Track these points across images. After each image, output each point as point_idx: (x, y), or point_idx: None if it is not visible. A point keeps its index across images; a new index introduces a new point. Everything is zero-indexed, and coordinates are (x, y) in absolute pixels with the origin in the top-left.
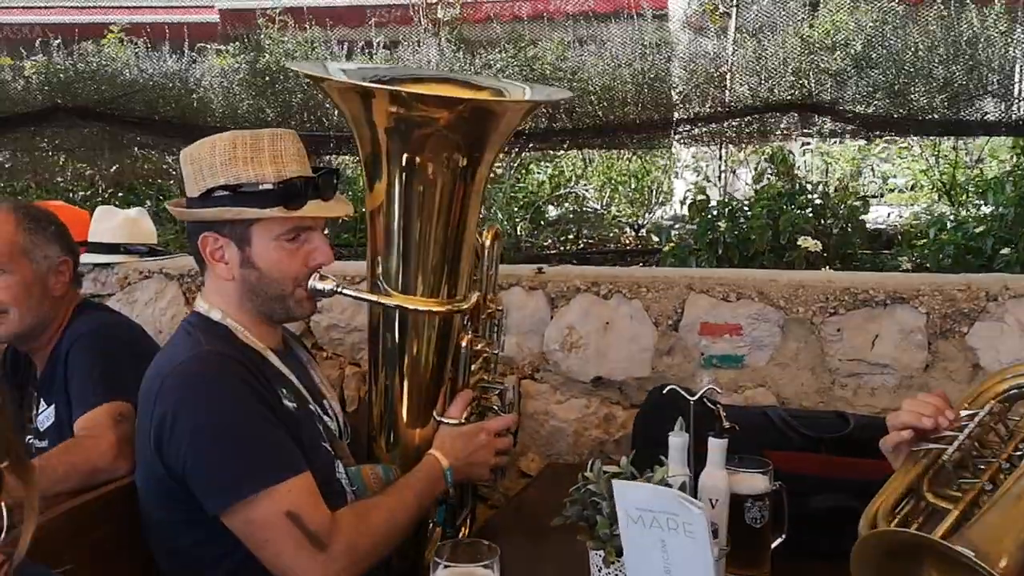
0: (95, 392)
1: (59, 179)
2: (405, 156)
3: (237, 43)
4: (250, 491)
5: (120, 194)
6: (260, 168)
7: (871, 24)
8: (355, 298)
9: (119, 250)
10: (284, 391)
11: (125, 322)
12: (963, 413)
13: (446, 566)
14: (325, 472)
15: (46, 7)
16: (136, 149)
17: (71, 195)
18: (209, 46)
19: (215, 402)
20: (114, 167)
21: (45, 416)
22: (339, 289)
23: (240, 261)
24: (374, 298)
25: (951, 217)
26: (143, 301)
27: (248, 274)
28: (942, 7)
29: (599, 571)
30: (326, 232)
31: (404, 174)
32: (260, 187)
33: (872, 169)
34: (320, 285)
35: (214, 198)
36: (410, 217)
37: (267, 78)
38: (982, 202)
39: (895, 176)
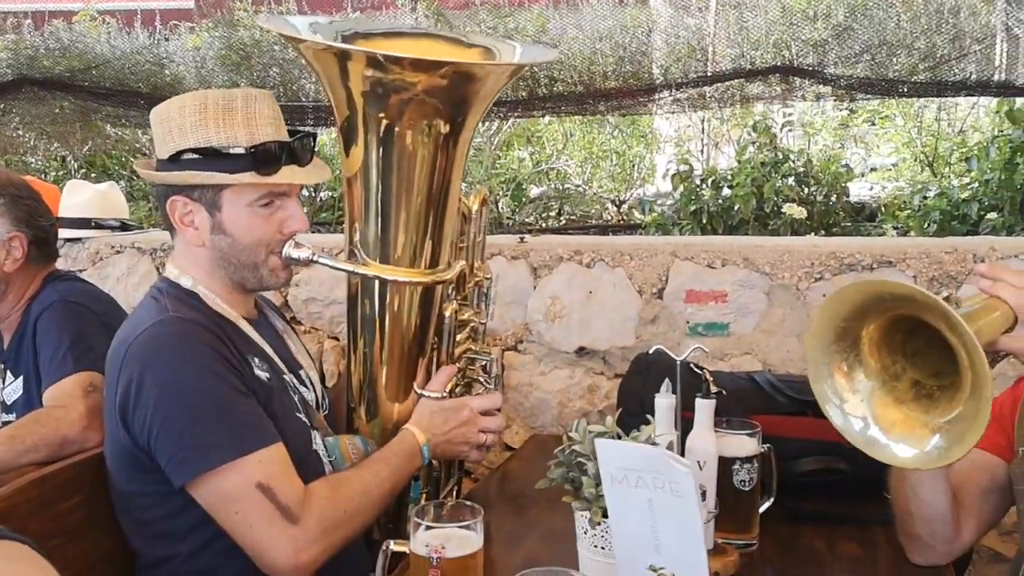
0: (64, 362)
1: (31, 159)
2: (384, 120)
3: (209, 20)
4: (218, 461)
5: (93, 174)
6: (232, 131)
7: None
8: (332, 267)
9: (90, 225)
10: (256, 360)
11: (95, 291)
12: None
13: (428, 527)
14: (300, 443)
15: None
16: (108, 127)
17: (44, 176)
18: (182, 23)
19: (181, 370)
20: (86, 147)
21: (12, 389)
22: (315, 258)
23: (211, 227)
24: (351, 268)
25: (935, 187)
26: (115, 276)
27: (219, 241)
28: None
29: (585, 533)
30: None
31: (382, 138)
32: (231, 151)
33: (855, 140)
34: (295, 253)
35: (183, 161)
36: (389, 183)
37: (242, 52)
38: (967, 170)
39: (878, 147)
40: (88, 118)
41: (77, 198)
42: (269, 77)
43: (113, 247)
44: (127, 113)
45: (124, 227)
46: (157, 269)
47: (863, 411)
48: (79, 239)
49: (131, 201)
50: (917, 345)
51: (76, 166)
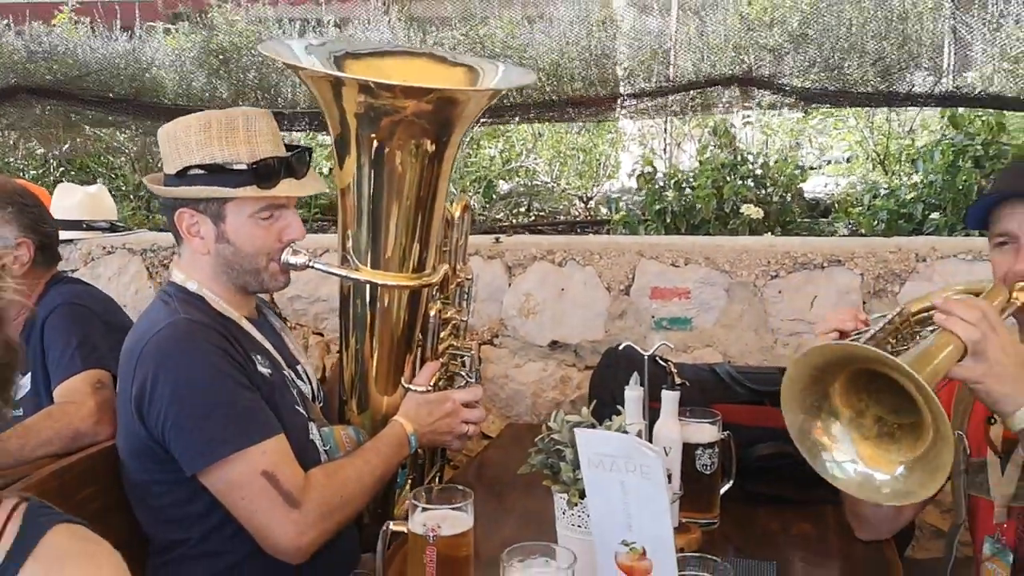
0: (73, 361)
1: (10, 159)
2: (375, 140)
3: (187, 23)
4: (227, 452)
5: (72, 172)
6: (234, 148)
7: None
8: (327, 272)
9: (81, 226)
10: (259, 357)
11: (96, 293)
12: (875, 316)
13: (424, 508)
14: (299, 433)
15: None
16: (88, 128)
17: (22, 174)
18: (157, 24)
19: (193, 368)
20: (66, 145)
21: (19, 385)
22: (311, 263)
23: (216, 236)
24: (345, 273)
25: (884, 185)
26: (106, 276)
27: (223, 249)
28: None
29: (563, 514)
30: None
31: (374, 155)
32: (234, 167)
33: (810, 140)
34: (293, 259)
35: (190, 176)
36: (379, 195)
37: (220, 57)
38: (913, 170)
39: (832, 147)
40: (70, 119)
41: (68, 200)
42: (247, 81)
43: (104, 248)
44: (107, 116)
45: (113, 228)
46: (147, 269)
47: (850, 454)
48: (71, 240)
49: (114, 201)
50: (880, 384)
51: (55, 164)
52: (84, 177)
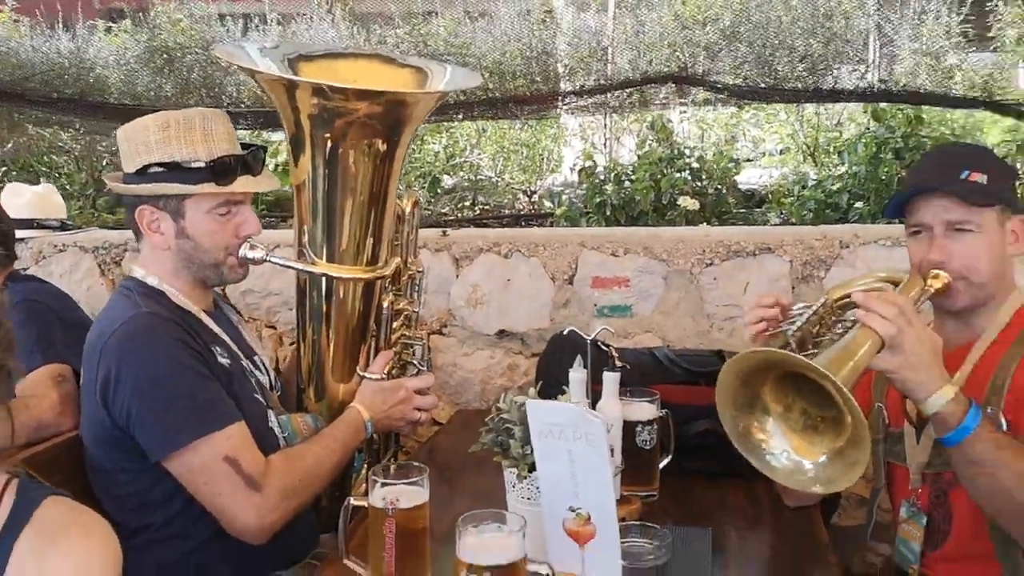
0: (33, 356)
1: None
2: (328, 140)
3: (129, 21)
4: (190, 438)
5: (14, 172)
6: (192, 147)
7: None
8: (283, 266)
9: (32, 225)
10: (218, 349)
11: (52, 289)
12: (800, 306)
13: (383, 484)
14: (258, 421)
15: None
16: (31, 127)
17: None
18: (97, 23)
19: (155, 359)
20: (7, 145)
21: None
22: (268, 257)
23: (175, 232)
24: (301, 266)
25: (813, 177)
26: (58, 273)
27: (183, 244)
28: None
29: (513, 487)
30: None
31: (327, 155)
32: (192, 164)
33: (744, 133)
34: (251, 254)
35: (150, 174)
36: (333, 192)
37: (165, 56)
38: (840, 162)
39: (764, 140)
40: (14, 119)
41: (17, 200)
42: (192, 79)
43: (56, 246)
44: (52, 116)
45: (63, 226)
46: (99, 266)
47: (783, 445)
48: (22, 239)
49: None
50: (804, 382)
51: None
52: (27, 177)
